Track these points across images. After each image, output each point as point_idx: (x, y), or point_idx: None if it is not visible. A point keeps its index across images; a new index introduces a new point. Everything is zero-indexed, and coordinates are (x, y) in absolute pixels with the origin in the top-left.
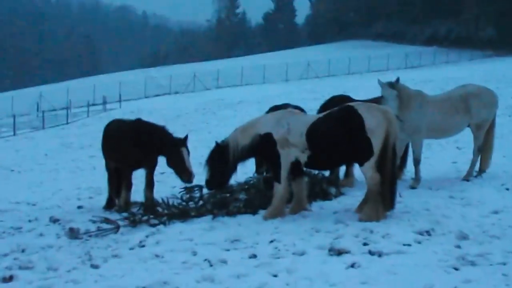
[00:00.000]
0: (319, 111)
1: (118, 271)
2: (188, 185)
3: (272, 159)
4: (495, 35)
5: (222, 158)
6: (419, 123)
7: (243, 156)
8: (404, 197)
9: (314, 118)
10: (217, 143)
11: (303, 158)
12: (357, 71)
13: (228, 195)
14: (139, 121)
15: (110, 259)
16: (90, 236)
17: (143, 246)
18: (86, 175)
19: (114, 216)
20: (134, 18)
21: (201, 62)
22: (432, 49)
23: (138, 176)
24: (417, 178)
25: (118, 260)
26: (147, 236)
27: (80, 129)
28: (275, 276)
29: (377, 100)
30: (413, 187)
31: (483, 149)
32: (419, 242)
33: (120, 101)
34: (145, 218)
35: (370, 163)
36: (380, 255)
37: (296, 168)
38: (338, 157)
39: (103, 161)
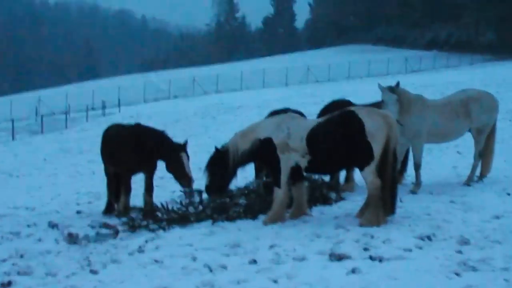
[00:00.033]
0: (319, 116)
1: (117, 277)
2: (188, 190)
3: (272, 164)
4: (495, 40)
5: (221, 163)
6: (419, 127)
7: (243, 161)
8: (405, 202)
9: (314, 123)
10: (216, 149)
11: (303, 162)
12: (357, 75)
13: (228, 200)
14: (138, 125)
15: (109, 265)
16: (89, 241)
17: (143, 251)
18: (85, 179)
19: (113, 221)
20: (133, 22)
21: (200, 66)
22: (432, 53)
23: (138, 181)
24: (417, 183)
25: (118, 266)
26: (146, 241)
27: (79, 133)
28: (275, 281)
29: (377, 105)
30: (413, 192)
31: (484, 154)
32: (420, 247)
33: (119, 105)
34: (144, 223)
35: (371, 168)
36: (381, 260)
37: (296, 173)
38: (339, 161)
39: (102, 166)
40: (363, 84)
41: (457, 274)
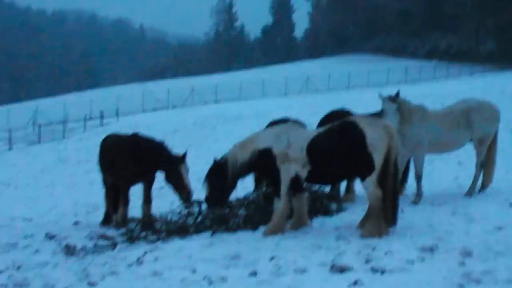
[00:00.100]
0: (319, 125)
1: None
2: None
3: (272, 174)
4: (495, 49)
5: (221, 175)
6: (420, 138)
7: (243, 172)
8: (406, 213)
9: (315, 133)
10: (215, 161)
11: (304, 173)
12: (356, 85)
13: (227, 211)
14: (136, 135)
15: (107, 277)
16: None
17: (141, 263)
18: (83, 190)
19: (111, 232)
20: (131, 32)
21: (199, 76)
22: (432, 63)
23: (137, 191)
24: (419, 194)
25: (116, 278)
26: (145, 253)
27: (77, 143)
28: None
29: (377, 115)
30: (415, 203)
31: (486, 164)
32: (423, 259)
33: (117, 115)
34: (143, 234)
35: (372, 179)
36: (383, 272)
37: (296, 184)
38: (339, 172)
39: (100, 176)
40: (363, 94)
41: (460, 286)
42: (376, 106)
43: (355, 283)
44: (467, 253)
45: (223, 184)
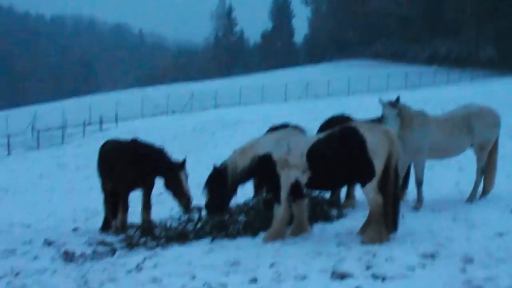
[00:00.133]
0: (320, 131)
1: None
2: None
3: (272, 180)
4: (496, 55)
5: (221, 182)
6: (420, 143)
7: (243, 178)
8: (407, 219)
9: (315, 139)
10: (214, 167)
11: (304, 179)
12: (356, 90)
13: (227, 217)
14: (135, 141)
15: (106, 283)
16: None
17: (141, 269)
18: (82, 196)
19: (110, 238)
20: (131, 37)
21: (199, 81)
22: (432, 68)
23: (136, 197)
24: (419, 200)
25: (115, 284)
26: (144, 259)
27: (76, 149)
28: None
29: (378, 120)
30: (415, 209)
31: (486, 170)
32: (424, 266)
33: (116, 120)
34: (142, 240)
35: (372, 185)
36: (383, 279)
37: (296, 190)
38: (340, 177)
39: (99, 182)
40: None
41: None
42: (376, 112)
43: None
44: (468, 260)
45: (223, 190)
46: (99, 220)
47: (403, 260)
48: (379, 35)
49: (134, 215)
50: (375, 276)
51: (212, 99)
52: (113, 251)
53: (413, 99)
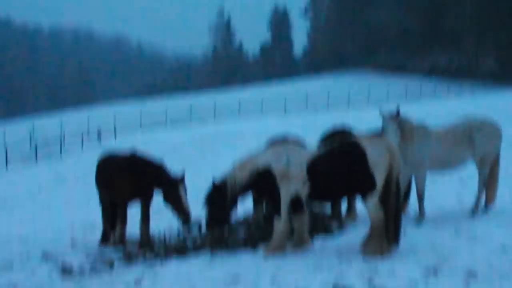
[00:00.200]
0: (320, 142)
1: None
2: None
3: (272, 193)
4: (496, 66)
5: (220, 197)
6: (422, 156)
7: (242, 192)
8: (409, 233)
9: (315, 152)
10: (213, 183)
11: (304, 192)
12: (356, 102)
13: (227, 231)
14: (133, 154)
15: None
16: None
17: (139, 284)
18: (80, 209)
19: (109, 251)
20: (129, 49)
21: (197, 93)
22: (432, 80)
23: (134, 209)
24: (421, 213)
25: None
26: (143, 273)
27: (74, 162)
28: None
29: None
30: (417, 222)
31: (488, 183)
32: (426, 280)
33: (115, 133)
34: (141, 254)
35: (373, 198)
36: None
37: (297, 203)
38: (340, 190)
39: (97, 195)
40: (363, 112)
41: None
42: (376, 124)
43: None
44: (471, 274)
45: (223, 206)
46: (97, 233)
47: (405, 274)
48: (379, 47)
49: (134, 227)
50: None
51: (211, 111)
52: (111, 265)
53: (413, 111)
